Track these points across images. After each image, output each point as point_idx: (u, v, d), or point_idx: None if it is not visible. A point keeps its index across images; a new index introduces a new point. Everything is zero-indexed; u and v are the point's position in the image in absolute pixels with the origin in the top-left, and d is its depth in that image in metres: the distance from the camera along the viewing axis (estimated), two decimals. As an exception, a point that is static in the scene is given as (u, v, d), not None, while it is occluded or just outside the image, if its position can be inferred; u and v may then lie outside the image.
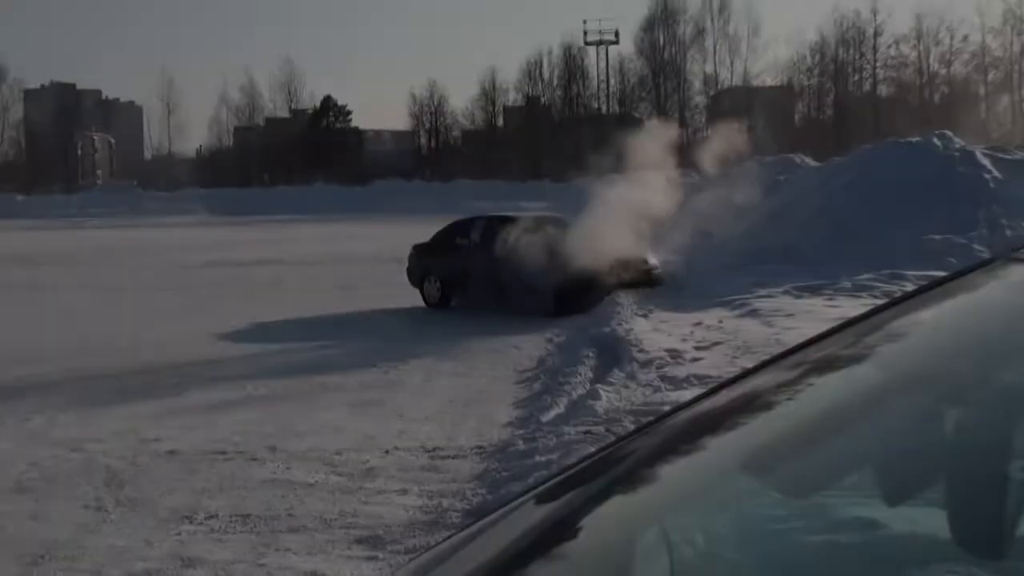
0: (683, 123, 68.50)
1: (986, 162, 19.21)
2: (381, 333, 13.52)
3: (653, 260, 15.41)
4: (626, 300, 14.16)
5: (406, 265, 17.01)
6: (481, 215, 16.87)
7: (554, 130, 76.28)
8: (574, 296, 14.05)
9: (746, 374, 1.43)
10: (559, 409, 8.27)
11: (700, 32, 78.66)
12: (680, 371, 9.11)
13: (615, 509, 1.28)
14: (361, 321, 14.72)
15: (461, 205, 47.81)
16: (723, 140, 16.21)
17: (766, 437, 1.29)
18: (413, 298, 16.46)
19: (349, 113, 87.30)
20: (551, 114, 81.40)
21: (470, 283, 15.51)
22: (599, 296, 14.30)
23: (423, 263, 16.30)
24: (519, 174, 72.11)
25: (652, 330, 11.82)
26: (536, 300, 14.39)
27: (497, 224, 15.63)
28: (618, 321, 12.51)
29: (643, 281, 15.05)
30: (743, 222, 18.94)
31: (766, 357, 1.54)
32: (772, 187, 21.29)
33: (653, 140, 14.73)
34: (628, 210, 14.39)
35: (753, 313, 12.40)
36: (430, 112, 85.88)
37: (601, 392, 8.43)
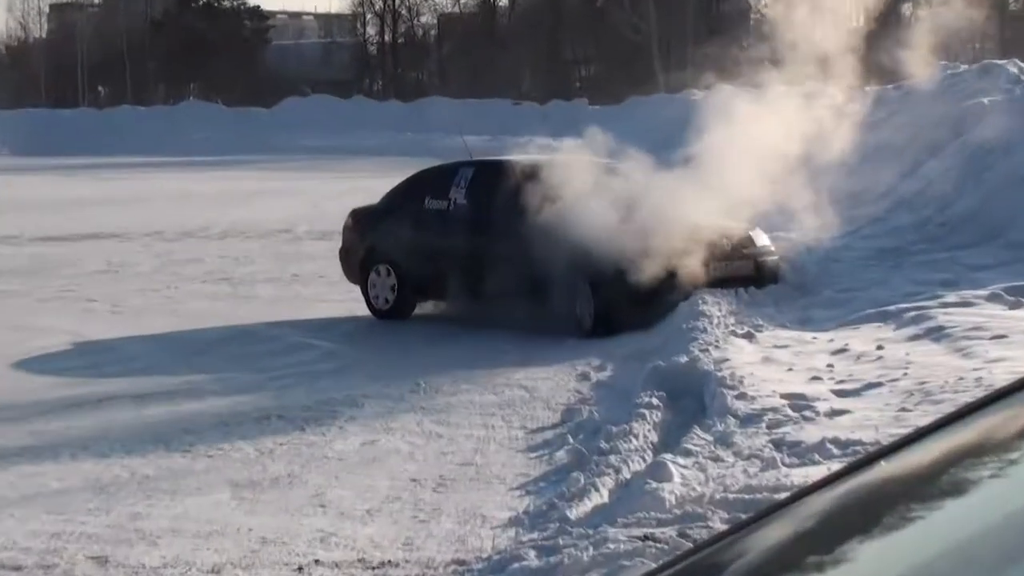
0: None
1: None
2: (295, 362, 13.66)
3: (764, 240, 15.58)
4: (717, 308, 14.15)
5: (339, 245, 17.08)
6: (468, 160, 16.97)
7: (595, 16, 76.15)
8: (628, 301, 14.27)
9: (920, 437, 1.48)
10: (599, 497, 8.38)
11: None
12: (809, 432, 9.26)
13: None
14: (261, 341, 14.94)
15: (434, 142, 47.72)
16: (893, 36, 16.13)
17: (948, 547, 1.30)
18: (351, 300, 16.61)
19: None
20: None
21: (448, 276, 15.76)
22: (671, 300, 14.43)
23: (368, 242, 16.56)
24: (535, 90, 72.13)
25: (761, 360, 11.92)
26: (564, 307, 14.66)
27: (496, 176, 15.90)
28: (703, 344, 12.57)
29: (747, 276, 15.25)
30: (916, 177, 18.86)
31: (955, 407, 1.58)
32: (965, 115, 21.30)
33: (785, 27, 14.74)
34: (722, 155, 14.52)
35: (935, 332, 12.47)
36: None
37: (672, 468, 8.54)
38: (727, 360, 11.77)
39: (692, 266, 14.57)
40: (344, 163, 47.95)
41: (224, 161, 52.83)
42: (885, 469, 1.45)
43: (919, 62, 17.05)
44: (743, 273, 15.22)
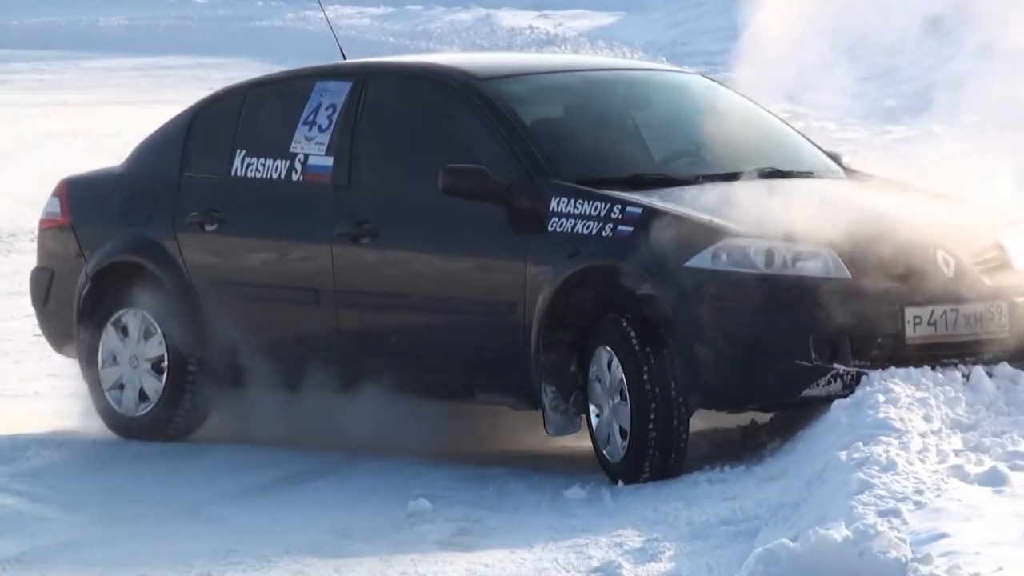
0: None
1: None
2: None
3: None
4: (921, 412, 9.83)
5: (33, 264, 12.21)
6: (336, 65, 12.28)
7: None
8: (716, 394, 10.26)
9: None
10: None
11: None
12: None
13: None
14: None
15: (259, 19, 38.11)
16: None
17: None
18: (61, 395, 11.77)
19: None
20: None
21: (289, 340, 11.36)
22: (811, 394, 10.24)
23: (100, 259, 11.92)
24: None
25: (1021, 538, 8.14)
26: (562, 411, 10.42)
27: (407, 102, 11.48)
28: (885, 498, 8.74)
29: (992, 337, 10.73)
30: None
31: None
32: None
33: None
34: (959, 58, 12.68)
35: None
36: None
37: None
38: (944, 536, 8.16)
39: (866, 313, 10.22)
40: (54, 66, 35.45)
41: None
42: None
43: None
44: (983, 332, 10.64)
